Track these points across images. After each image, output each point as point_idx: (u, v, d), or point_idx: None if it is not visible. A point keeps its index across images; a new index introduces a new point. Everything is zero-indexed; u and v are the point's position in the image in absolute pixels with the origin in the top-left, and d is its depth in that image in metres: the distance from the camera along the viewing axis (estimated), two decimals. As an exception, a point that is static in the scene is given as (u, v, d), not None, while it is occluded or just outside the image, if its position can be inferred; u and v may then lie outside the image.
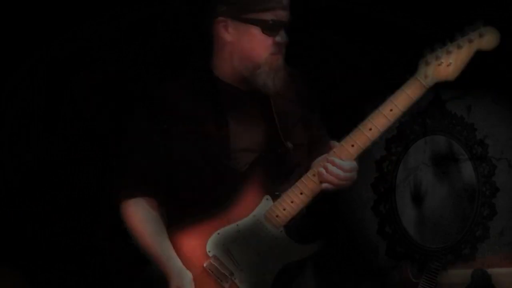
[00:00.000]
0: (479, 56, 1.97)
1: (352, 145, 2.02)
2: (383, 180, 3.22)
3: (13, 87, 3.02)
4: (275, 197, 2.06)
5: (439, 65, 1.98)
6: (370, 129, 2.01)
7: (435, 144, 3.18)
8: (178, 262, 2.06)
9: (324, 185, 2.03)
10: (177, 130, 2.10)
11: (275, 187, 2.08)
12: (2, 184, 3.00)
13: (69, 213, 3.03)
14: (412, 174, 3.23)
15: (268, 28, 2.06)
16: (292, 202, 2.04)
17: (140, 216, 2.11)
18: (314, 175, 2.03)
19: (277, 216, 2.04)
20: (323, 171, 2.02)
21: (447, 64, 1.98)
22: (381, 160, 3.27)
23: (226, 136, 2.09)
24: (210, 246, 2.07)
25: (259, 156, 2.09)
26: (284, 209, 2.04)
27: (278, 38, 2.06)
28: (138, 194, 2.11)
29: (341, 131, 2.06)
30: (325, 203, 2.14)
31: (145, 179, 2.10)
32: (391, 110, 2.01)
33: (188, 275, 2.06)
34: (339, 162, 2.01)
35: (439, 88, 1.98)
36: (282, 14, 2.07)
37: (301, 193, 2.03)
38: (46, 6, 2.88)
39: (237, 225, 2.06)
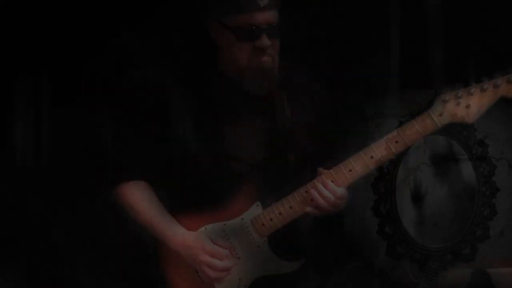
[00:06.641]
0: (479, 57, 1.95)
1: (350, 170, 1.95)
2: (383, 180, 3.21)
3: (15, 87, 3.02)
4: (265, 206, 2.04)
5: (457, 105, 1.84)
6: (372, 157, 1.93)
7: (435, 144, 3.17)
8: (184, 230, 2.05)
9: (308, 208, 1.99)
10: (176, 124, 2.08)
11: (269, 195, 2.05)
12: (2, 184, 3.00)
13: (69, 213, 3.02)
14: (412, 174, 3.22)
15: (243, 35, 1.95)
16: (280, 214, 2.01)
17: (140, 194, 2.09)
18: (307, 191, 1.99)
19: (263, 224, 2.02)
20: (315, 192, 1.97)
21: (466, 105, 1.83)
22: (381, 160, 3.27)
23: (225, 138, 2.07)
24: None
25: (259, 162, 2.07)
26: (271, 220, 2.01)
27: (258, 43, 1.95)
28: (135, 177, 2.09)
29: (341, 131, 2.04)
30: (330, 223, 2.09)
31: (142, 164, 2.09)
32: (396, 142, 1.91)
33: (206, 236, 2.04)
34: (332, 186, 1.96)
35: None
36: (260, 17, 1.94)
37: (290, 207, 2.00)
38: (47, 6, 2.88)
39: (224, 224, 2.05)
